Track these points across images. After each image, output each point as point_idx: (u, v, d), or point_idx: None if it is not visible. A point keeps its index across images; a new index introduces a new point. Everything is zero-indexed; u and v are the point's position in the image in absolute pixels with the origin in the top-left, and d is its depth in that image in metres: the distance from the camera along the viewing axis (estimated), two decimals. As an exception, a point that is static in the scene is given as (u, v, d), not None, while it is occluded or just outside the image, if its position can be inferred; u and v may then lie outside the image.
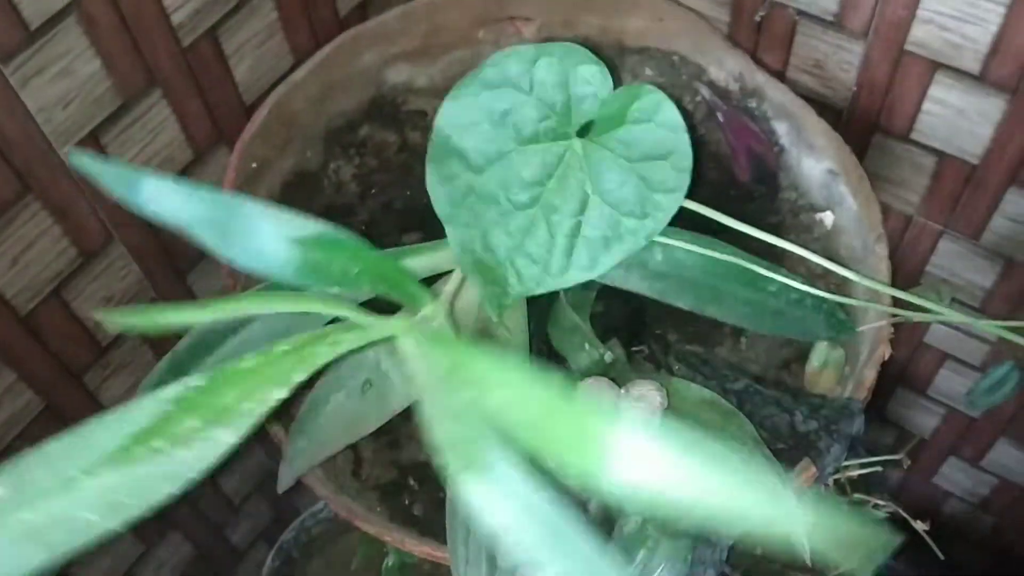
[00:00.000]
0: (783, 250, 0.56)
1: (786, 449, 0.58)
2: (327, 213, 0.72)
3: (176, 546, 0.87)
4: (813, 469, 0.56)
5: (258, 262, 0.40)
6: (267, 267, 0.41)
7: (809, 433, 0.58)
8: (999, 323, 0.52)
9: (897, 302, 0.61)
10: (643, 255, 0.56)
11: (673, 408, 0.57)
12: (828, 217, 0.69)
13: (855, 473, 0.67)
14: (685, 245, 0.54)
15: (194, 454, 0.35)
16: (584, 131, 0.53)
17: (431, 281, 0.57)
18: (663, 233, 0.54)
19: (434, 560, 0.56)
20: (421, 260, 0.59)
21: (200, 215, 0.37)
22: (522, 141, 0.53)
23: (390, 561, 0.66)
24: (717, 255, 0.54)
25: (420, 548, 0.55)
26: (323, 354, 0.41)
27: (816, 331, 0.60)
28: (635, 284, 0.57)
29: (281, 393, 0.38)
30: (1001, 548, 1.07)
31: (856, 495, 0.66)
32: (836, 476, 0.68)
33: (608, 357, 0.58)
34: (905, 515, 0.65)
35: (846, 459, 0.68)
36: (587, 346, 0.58)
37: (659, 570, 0.53)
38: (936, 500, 1.06)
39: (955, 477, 1.01)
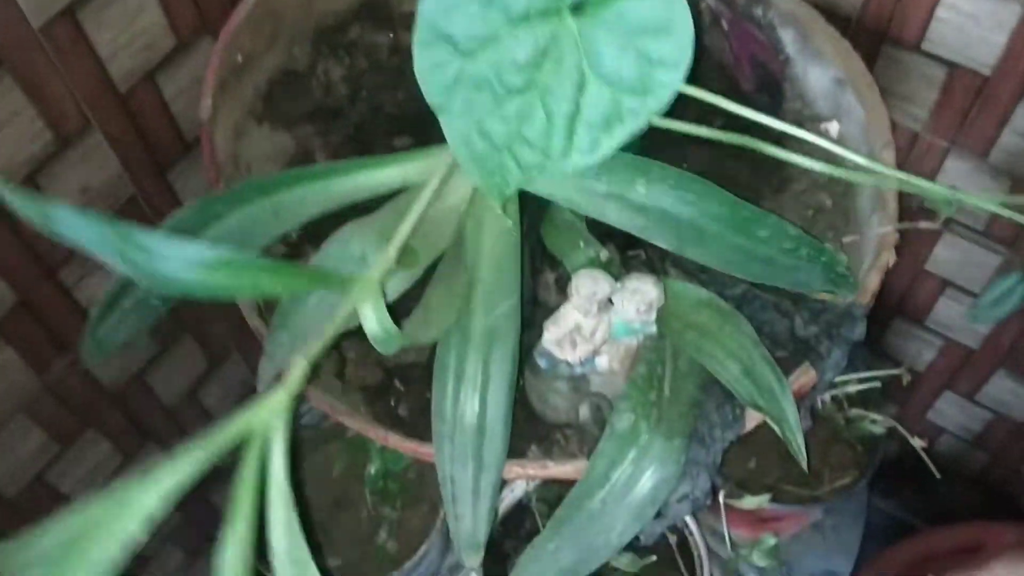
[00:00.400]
0: (789, 168, 0.53)
1: (786, 357, 0.56)
2: (315, 115, 0.69)
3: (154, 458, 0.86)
4: (813, 373, 0.55)
5: (165, 286, 0.39)
6: (175, 289, 0.39)
7: (809, 338, 0.56)
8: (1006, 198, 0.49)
9: (902, 216, 0.60)
10: (624, 187, 0.53)
11: (669, 308, 0.55)
12: (833, 127, 0.67)
13: (853, 389, 0.66)
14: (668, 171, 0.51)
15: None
16: (578, 8, 0.50)
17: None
18: (648, 168, 0.52)
19: (418, 457, 0.54)
20: (407, 168, 0.56)
21: (106, 243, 0.36)
22: (512, 21, 0.50)
23: (373, 468, 0.64)
24: (700, 187, 0.51)
25: (404, 445, 0.54)
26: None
27: (811, 282, 0.56)
28: (614, 216, 0.53)
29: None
30: (992, 486, 1.06)
31: (854, 411, 0.64)
32: (834, 392, 0.66)
33: (603, 255, 0.56)
34: (903, 431, 0.63)
35: (844, 374, 0.67)
36: (582, 244, 0.56)
37: (650, 470, 0.52)
38: (930, 436, 1.05)
39: (949, 412, 0.99)
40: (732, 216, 0.52)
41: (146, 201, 0.70)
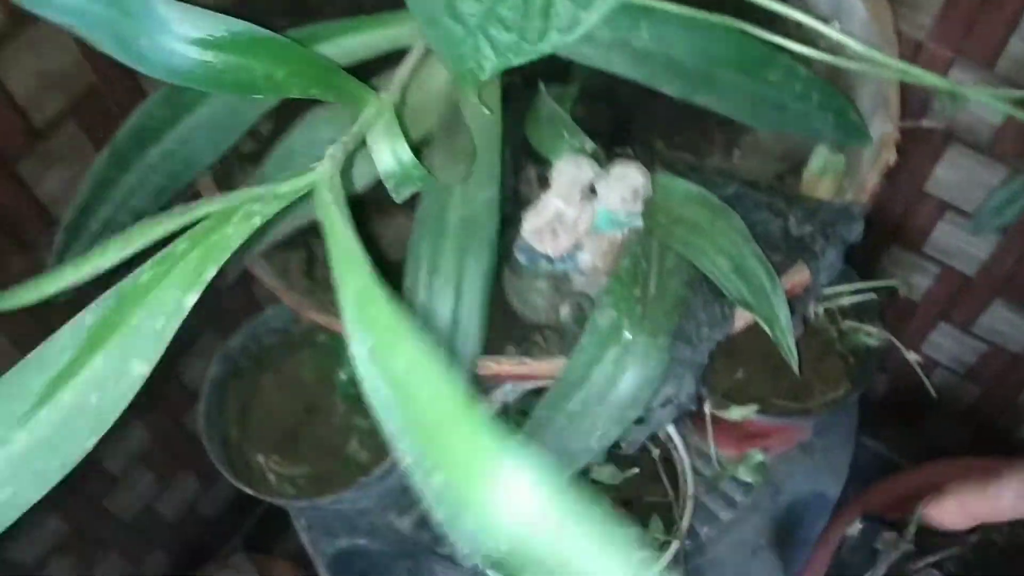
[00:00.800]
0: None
1: (779, 259, 0.53)
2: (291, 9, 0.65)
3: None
4: (806, 273, 0.52)
5: (162, 70, 0.35)
6: (173, 74, 0.35)
7: (803, 237, 0.53)
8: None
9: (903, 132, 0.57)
10: (627, 32, 0.50)
11: (656, 203, 0.52)
12: (834, 27, 0.64)
13: (847, 301, 0.63)
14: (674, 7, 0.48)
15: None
16: None
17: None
18: (651, 11, 0.49)
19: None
20: (381, 34, 0.53)
21: (91, 14, 0.32)
22: None
23: (344, 374, 0.61)
24: (710, 19, 0.48)
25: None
26: (234, 236, 0.35)
27: (822, 131, 0.55)
28: (618, 66, 0.51)
29: (192, 297, 0.33)
30: (983, 422, 1.04)
31: (848, 323, 0.62)
32: (827, 305, 0.64)
33: (589, 147, 0.52)
34: (898, 343, 0.61)
35: (837, 283, 0.64)
36: (566, 134, 0.53)
37: (632, 369, 0.49)
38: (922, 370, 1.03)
39: (944, 344, 0.97)
40: (741, 57, 0.50)
41: (108, 93, 0.67)
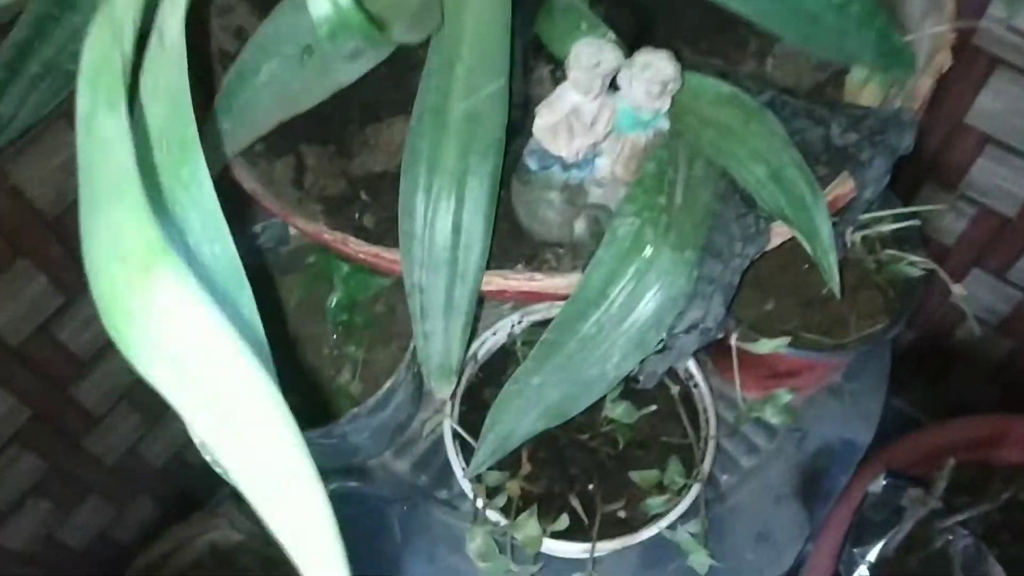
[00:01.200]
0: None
1: (820, 173, 0.48)
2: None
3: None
4: (851, 184, 0.46)
5: None
6: None
7: (848, 146, 0.47)
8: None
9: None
10: None
11: (685, 104, 0.46)
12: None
13: (887, 228, 0.57)
14: None
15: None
16: None
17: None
18: None
19: (381, 268, 0.46)
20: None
21: None
22: None
23: (335, 299, 0.56)
24: None
25: (365, 250, 0.45)
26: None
27: (860, 53, 0.49)
28: None
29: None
30: (1013, 379, 0.99)
31: (887, 252, 0.56)
32: (865, 232, 0.58)
33: (610, 36, 0.47)
34: (943, 272, 0.55)
35: (877, 209, 0.58)
36: (584, 25, 0.47)
37: (655, 286, 0.44)
38: (951, 323, 0.97)
39: (977, 293, 0.91)
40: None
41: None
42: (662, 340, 0.46)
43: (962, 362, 1.02)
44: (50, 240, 0.69)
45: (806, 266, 0.59)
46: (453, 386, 0.47)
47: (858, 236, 0.57)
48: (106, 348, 0.79)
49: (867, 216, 0.57)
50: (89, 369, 0.80)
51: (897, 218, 0.57)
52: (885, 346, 0.68)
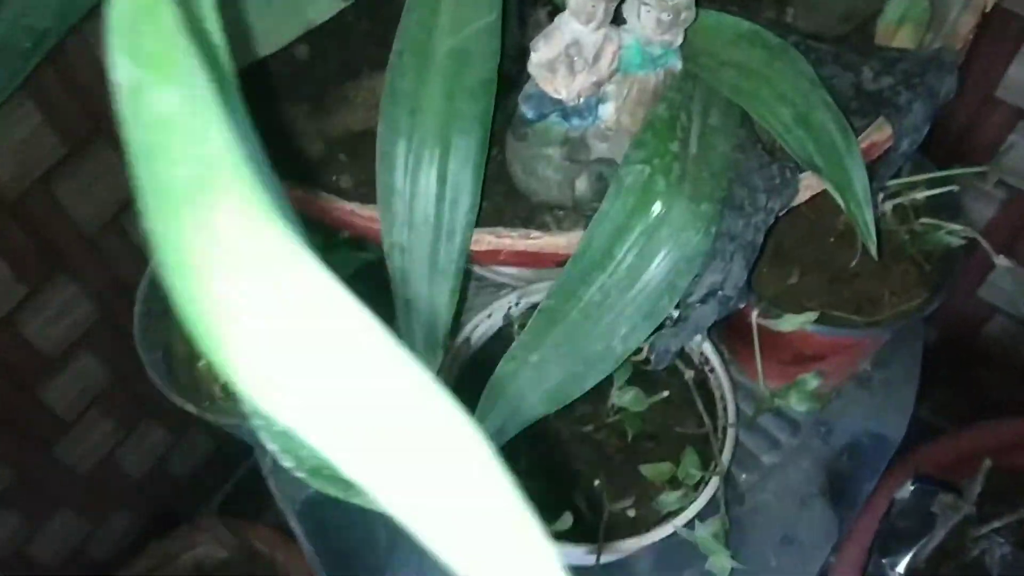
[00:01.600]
0: None
1: (854, 123, 0.42)
2: None
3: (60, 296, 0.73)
4: (888, 130, 0.41)
5: None
6: None
7: (883, 91, 0.42)
8: None
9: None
10: None
11: (700, 44, 0.41)
12: None
13: (921, 195, 0.52)
14: None
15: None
16: None
17: None
18: None
19: (355, 224, 0.40)
20: None
21: None
22: None
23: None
24: None
25: (339, 207, 0.40)
26: None
27: None
28: None
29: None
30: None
31: (923, 220, 0.51)
32: (897, 200, 0.53)
33: (614, -29, 0.41)
34: (985, 243, 0.50)
35: (911, 175, 0.53)
36: (585, -42, 0.42)
37: (668, 245, 0.38)
38: (978, 318, 0.92)
39: (1005, 286, 0.86)
40: None
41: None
42: (676, 310, 0.41)
43: (989, 362, 0.96)
44: (8, 223, 0.64)
45: (831, 239, 0.53)
46: (440, 360, 0.41)
47: (889, 205, 0.52)
48: (76, 345, 0.74)
49: (898, 182, 0.52)
50: (58, 369, 0.74)
51: (932, 184, 0.52)
52: (918, 331, 0.62)
